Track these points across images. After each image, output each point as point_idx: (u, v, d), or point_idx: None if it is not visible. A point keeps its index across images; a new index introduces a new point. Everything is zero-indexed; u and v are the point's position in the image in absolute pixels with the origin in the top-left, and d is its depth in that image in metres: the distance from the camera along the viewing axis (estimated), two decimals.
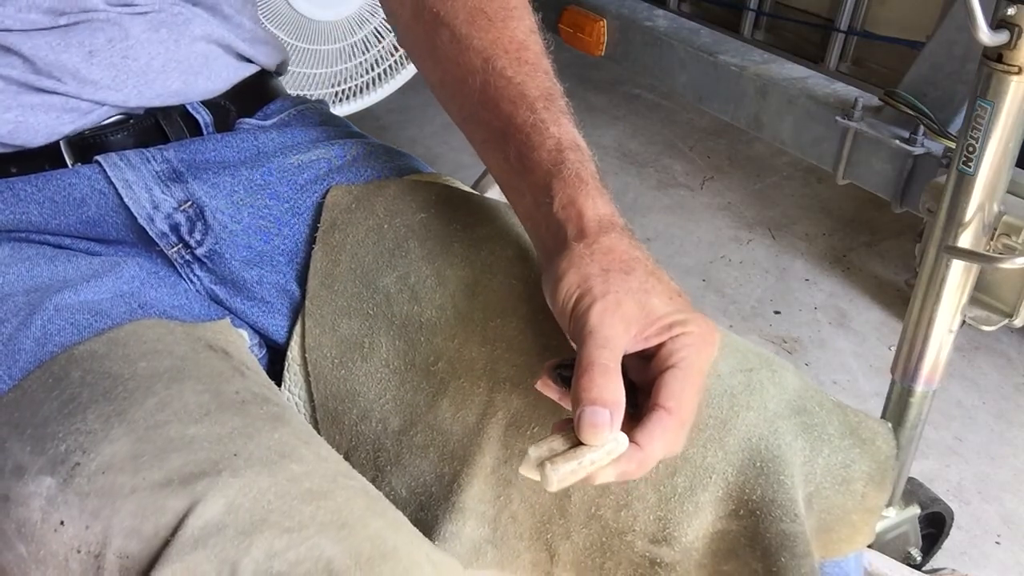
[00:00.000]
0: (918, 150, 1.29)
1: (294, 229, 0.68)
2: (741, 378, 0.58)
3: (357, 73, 1.66)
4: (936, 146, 1.29)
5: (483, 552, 0.58)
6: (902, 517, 1.14)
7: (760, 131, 1.52)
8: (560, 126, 0.58)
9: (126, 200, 0.63)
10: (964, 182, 0.91)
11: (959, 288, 0.96)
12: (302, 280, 0.66)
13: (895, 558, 1.10)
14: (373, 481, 0.59)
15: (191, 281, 0.66)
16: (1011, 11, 0.81)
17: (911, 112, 1.29)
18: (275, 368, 0.66)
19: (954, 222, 0.92)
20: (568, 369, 0.50)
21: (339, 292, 0.65)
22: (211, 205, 0.65)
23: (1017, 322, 1.14)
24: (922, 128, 1.28)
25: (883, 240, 1.90)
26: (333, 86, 1.64)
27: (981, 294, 1.14)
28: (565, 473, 0.47)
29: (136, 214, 0.63)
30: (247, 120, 0.72)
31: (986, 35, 0.81)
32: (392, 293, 0.63)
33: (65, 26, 0.61)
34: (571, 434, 0.48)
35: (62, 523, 0.49)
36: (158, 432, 0.51)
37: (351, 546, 0.48)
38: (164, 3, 0.65)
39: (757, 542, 0.54)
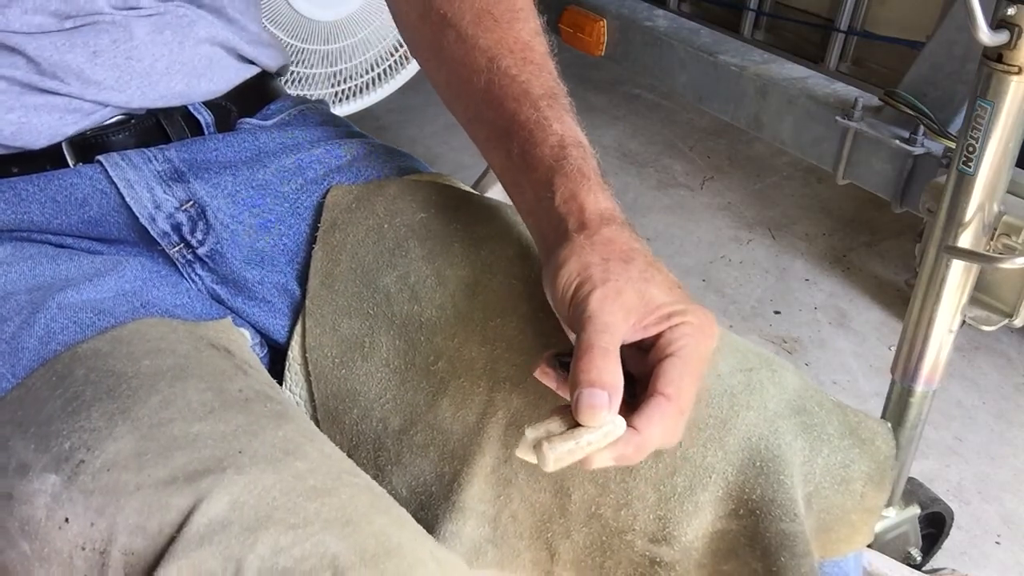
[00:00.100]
0: (918, 150, 1.29)
1: (295, 229, 0.68)
2: (741, 378, 0.58)
3: (357, 73, 1.66)
4: (936, 146, 1.29)
5: (483, 551, 0.58)
6: (902, 517, 1.14)
7: (760, 131, 1.52)
8: (563, 123, 0.58)
9: (128, 200, 0.63)
10: (964, 182, 0.91)
11: (959, 288, 0.96)
12: (303, 280, 0.66)
13: (895, 558, 1.10)
14: (373, 480, 0.59)
15: (193, 280, 0.66)
16: (1011, 11, 0.81)
17: (911, 112, 1.29)
18: (276, 368, 0.67)
19: (954, 222, 0.92)
20: (567, 357, 0.50)
21: (339, 292, 0.65)
22: (213, 205, 0.65)
23: (1017, 322, 1.14)
24: (922, 128, 1.29)
25: (883, 240, 1.90)
26: (333, 86, 1.64)
27: (981, 294, 1.14)
28: (561, 453, 0.47)
29: (138, 214, 0.63)
30: (248, 120, 0.72)
31: (986, 35, 0.81)
32: (392, 293, 0.63)
33: (71, 28, 0.61)
34: (569, 417, 0.48)
35: (67, 520, 0.49)
36: (162, 430, 0.51)
37: (356, 542, 0.48)
38: (169, 5, 0.65)
39: (757, 542, 0.54)
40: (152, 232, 0.64)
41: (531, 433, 0.48)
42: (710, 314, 0.51)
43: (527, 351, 0.59)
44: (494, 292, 0.62)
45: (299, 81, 1.58)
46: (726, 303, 1.72)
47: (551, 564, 0.58)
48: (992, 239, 1.00)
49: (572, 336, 0.51)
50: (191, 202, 0.65)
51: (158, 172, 0.65)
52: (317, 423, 0.63)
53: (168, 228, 0.64)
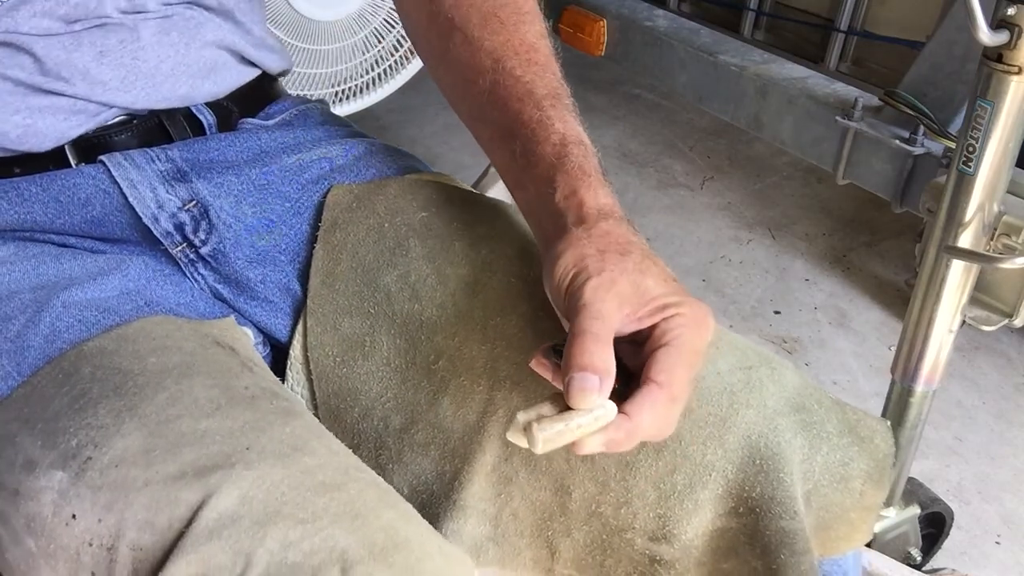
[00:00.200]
0: (918, 150, 1.29)
1: (296, 228, 0.68)
2: (740, 376, 0.58)
3: (357, 73, 1.66)
4: (936, 146, 1.29)
5: (484, 550, 0.58)
6: (902, 517, 1.14)
7: (760, 131, 1.52)
8: (565, 123, 0.58)
9: (131, 200, 0.63)
10: (964, 182, 0.91)
11: (959, 288, 0.96)
12: (304, 279, 0.66)
13: (895, 558, 1.10)
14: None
15: (195, 280, 0.66)
16: (1011, 11, 0.81)
17: (911, 112, 1.29)
18: (278, 367, 0.67)
19: (954, 222, 0.93)
20: (563, 347, 0.50)
21: (340, 291, 0.65)
22: (215, 204, 0.65)
23: (1017, 322, 1.14)
24: (922, 128, 1.29)
25: (883, 240, 1.90)
26: (333, 86, 1.64)
27: (981, 294, 1.14)
28: (551, 434, 0.47)
29: (141, 214, 0.64)
30: (249, 120, 0.72)
31: (986, 35, 0.81)
32: (393, 292, 0.64)
33: (79, 31, 0.62)
34: (561, 402, 0.48)
35: (74, 516, 0.49)
36: (170, 427, 0.51)
37: (365, 536, 0.48)
38: (177, 8, 0.65)
39: (757, 540, 0.55)
40: (155, 232, 0.64)
41: (522, 416, 0.48)
42: (705, 307, 0.52)
43: (527, 350, 0.59)
44: (494, 291, 0.62)
45: (299, 81, 1.58)
46: (726, 303, 1.72)
47: (552, 562, 0.59)
48: (992, 239, 1.01)
49: (568, 327, 0.51)
50: (194, 202, 0.65)
51: (161, 172, 0.65)
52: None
53: (171, 228, 0.64)
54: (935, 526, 1.21)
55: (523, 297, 0.61)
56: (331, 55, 1.59)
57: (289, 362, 0.65)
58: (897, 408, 1.05)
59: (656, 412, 0.48)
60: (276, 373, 0.64)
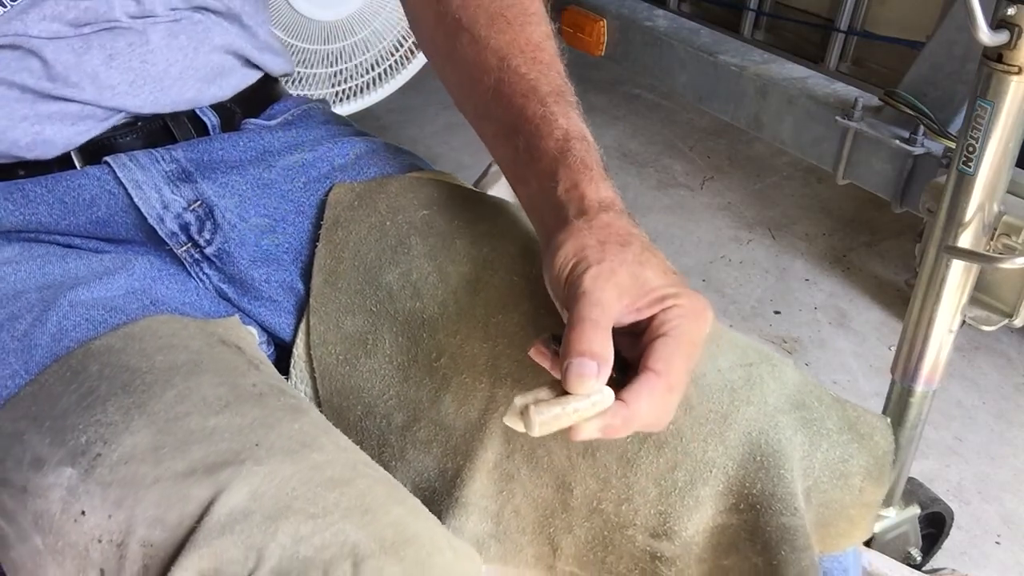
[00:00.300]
0: (918, 150, 1.29)
1: (299, 227, 0.68)
2: (741, 373, 0.58)
3: (357, 73, 1.66)
4: (936, 146, 1.29)
5: (486, 546, 0.59)
6: (902, 517, 1.14)
7: (760, 131, 1.52)
8: (568, 119, 0.59)
9: (136, 200, 0.64)
10: (964, 182, 0.91)
11: (959, 288, 0.96)
12: (307, 278, 0.67)
13: (895, 558, 1.10)
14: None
15: (200, 280, 0.66)
16: (1011, 11, 0.81)
17: (911, 112, 1.29)
18: (282, 365, 0.67)
19: (954, 222, 0.93)
20: (562, 336, 0.50)
21: (343, 289, 0.65)
22: (220, 204, 0.66)
23: (1017, 322, 1.14)
24: (922, 128, 1.29)
25: (883, 240, 1.90)
26: (333, 86, 1.64)
27: (981, 294, 1.14)
28: (547, 418, 0.47)
29: (146, 214, 0.64)
30: (252, 120, 0.73)
31: (986, 35, 0.81)
32: (394, 290, 0.64)
33: (88, 34, 0.62)
34: (559, 388, 0.48)
35: (83, 513, 0.50)
36: (179, 424, 0.52)
37: (375, 531, 0.48)
38: (185, 12, 0.66)
39: (757, 536, 0.55)
40: (160, 232, 0.64)
41: (519, 400, 0.48)
42: (704, 299, 0.52)
43: (528, 347, 0.59)
44: (496, 289, 0.62)
45: (300, 81, 1.58)
46: (726, 303, 1.72)
47: (553, 559, 0.59)
48: (992, 239, 1.01)
49: (567, 317, 0.51)
50: (199, 202, 0.65)
51: (166, 172, 0.65)
52: None
53: (176, 228, 0.65)
54: (935, 526, 1.22)
55: (524, 295, 0.61)
56: (331, 55, 1.60)
57: (293, 360, 0.65)
58: (897, 408, 1.05)
59: (653, 400, 0.49)
60: (280, 372, 0.64)
